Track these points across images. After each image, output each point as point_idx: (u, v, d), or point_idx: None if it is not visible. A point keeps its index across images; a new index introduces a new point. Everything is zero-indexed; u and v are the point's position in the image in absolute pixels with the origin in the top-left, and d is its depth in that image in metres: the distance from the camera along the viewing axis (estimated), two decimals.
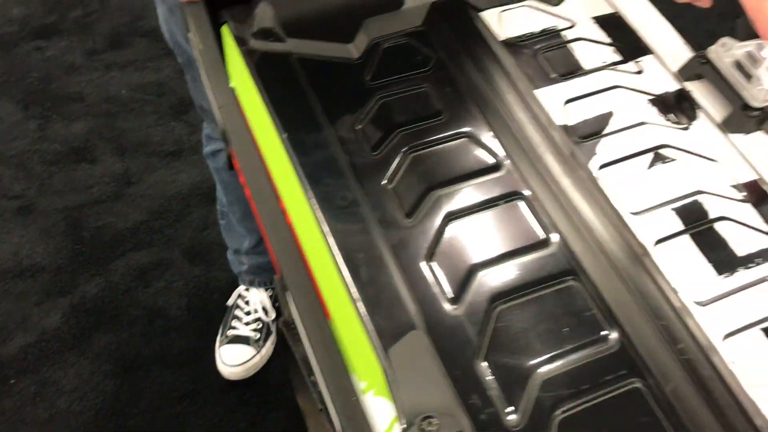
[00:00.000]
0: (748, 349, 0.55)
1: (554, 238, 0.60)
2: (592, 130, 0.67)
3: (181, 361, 1.50)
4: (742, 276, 0.58)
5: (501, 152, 0.65)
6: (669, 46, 0.74)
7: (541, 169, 0.64)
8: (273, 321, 1.49)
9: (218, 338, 1.49)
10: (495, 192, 0.63)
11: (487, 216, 0.62)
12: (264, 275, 1.46)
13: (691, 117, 0.68)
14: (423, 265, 0.59)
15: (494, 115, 0.68)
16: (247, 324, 1.46)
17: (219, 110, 0.70)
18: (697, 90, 0.70)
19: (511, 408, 0.52)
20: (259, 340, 1.46)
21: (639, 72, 0.72)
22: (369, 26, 0.73)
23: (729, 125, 0.67)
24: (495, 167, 0.64)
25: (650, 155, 0.65)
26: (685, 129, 0.68)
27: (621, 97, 0.69)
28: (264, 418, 1.41)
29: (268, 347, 1.47)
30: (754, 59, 0.66)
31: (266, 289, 1.49)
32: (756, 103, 0.66)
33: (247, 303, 1.48)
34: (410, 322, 0.55)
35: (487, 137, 0.66)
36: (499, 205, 0.62)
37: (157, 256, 1.67)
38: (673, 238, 0.60)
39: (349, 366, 0.55)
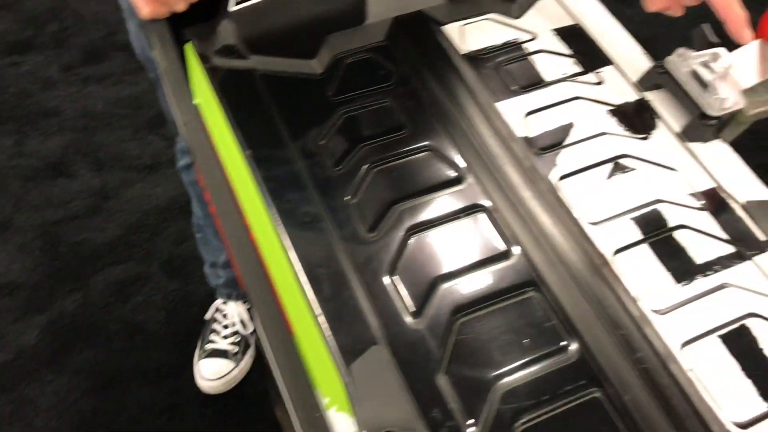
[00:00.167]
0: (705, 357, 0.55)
1: (515, 249, 0.61)
2: (553, 142, 0.68)
3: (160, 375, 1.49)
4: (701, 283, 0.59)
5: (463, 165, 0.66)
6: (628, 57, 0.75)
7: (502, 181, 0.65)
8: (251, 334, 1.49)
9: (197, 352, 1.48)
10: (457, 205, 0.63)
11: (449, 229, 0.62)
12: (241, 288, 1.46)
13: (651, 127, 0.69)
14: (386, 280, 0.59)
15: (456, 129, 0.68)
16: (225, 337, 1.46)
17: (183, 127, 0.70)
18: (657, 100, 0.71)
19: (472, 420, 0.52)
20: (237, 353, 1.46)
21: (599, 83, 0.73)
22: (332, 42, 0.74)
23: (687, 134, 0.68)
24: (457, 180, 0.65)
25: (610, 165, 0.66)
26: (645, 139, 0.68)
27: (581, 108, 0.70)
28: (244, 431, 1.41)
29: (247, 360, 1.47)
30: (709, 69, 0.68)
31: (244, 302, 1.49)
32: (713, 112, 0.67)
33: (224, 316, 1.48)
34: (372, 337, 0.55)
35: (449, 151, 0.67)
36: (460, 217, 0.63)
37: (135, 270, 1.67)
38: (633, 248, 0.61)
39: (313, 382, 0.56)
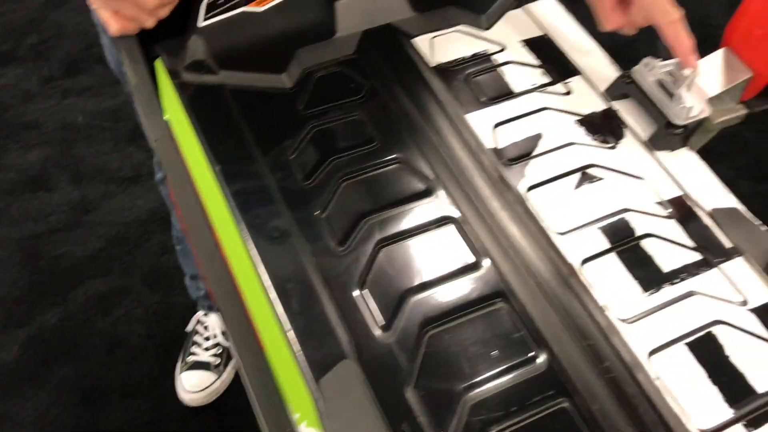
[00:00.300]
0: (672, 365, 0.56)
1: (484, 260, 0.61)
2: (522, 152, 0.68)
3: (143, 389, 1.49)
4: (668, 292, 0.60)
5: (432, 177, 0.66)
6: (596, 67, 0.75)
7: (471, 193, 0.65)
8: None
9: (178, 365, 1.48)
10: (426, 217, 0.64)
11: (419, 241, 0.63)
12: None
13: (618, 136, 0.70)
14: (355, 293, 0.59)
15: (426, 141, 0.69)
16: (206, 349, 1.46)
17: (154, 143, 0.70)
18: (624, 109, 0.72)
19: None
20: (219, 365, 1.45)
21: (567, 93, 0.73)
22: (301, 56, 0.74)
23: (654, 143, 0.69)
24: (426, 192, 0.65)
25: (578, 175, 0.67)
26: (612, 148, 0.69)
27: (550, 118, 0.71)
28: None
29: (229, 372, 1.47)
30: (675, 78, 0.68)
31: None
32: (679, 121, 0.68)
33: (206, 328, 1.48)
34: (341, 351, 0.56)
35: (419, 163, 0.67)
36: (430, 229, 0.63)
37: (116, 283, 1.66)
38: (600, 257, 0.61)
39: (284, 397, 0.56)
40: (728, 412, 0.54)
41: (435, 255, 0.62)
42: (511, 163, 0.67)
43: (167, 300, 1.61)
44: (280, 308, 0.58)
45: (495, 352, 0.56)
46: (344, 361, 0.55)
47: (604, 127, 0.71)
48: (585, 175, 0.67)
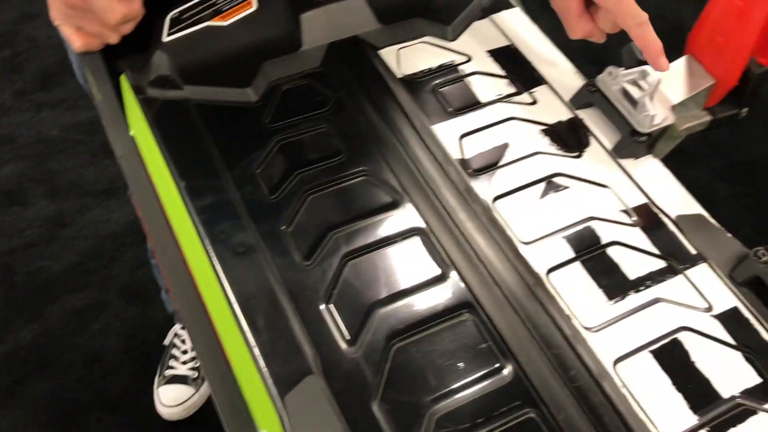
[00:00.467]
0: (638, 372, 0.56)
1: (450, 272, 0.61)
2: (488, 163, 0.69)
3: (120, 404, 1.48)
4: (633, 299, 0.60)
5: (399, 189, 0.66)
6: (561, 76, 0.76)
7: (438, 204, 0.65)
8: None
9: (156, 379, 1.47)
10: (393, 229, 0.64)
11: (385, 254, 0.62)
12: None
13: (584, 145, 0.71)
14: (322, 308, 0.59)
15: (392, 153, 0.69)
16: (184, 363, 1.45)
17: (119, 160, 0.70)
18: (589, 118, 0.72)
19: None
20: (197, 378, 1.44)
21: (533, 102, 0.74)
22: (267, 69, 0.74)
23: (619, 151, 0.70)
24: (393, 204, 0.65)
25: (543, 184, 0.67)
26: (578, 157, 0.69)
27: (516, 128, 0.71)
28: None
29: (207, 385, 1.46)
30: (638, 86, 0.69)
31: None
32: (643, 129, 0.68)
33: (183, 341, 1.47)
34: (307, 366, 0.55)
35: (386, 175, 0.67)
36: (397, 242, 0.63)
37: (93, 298, 1.65)
38: (566, 266, 0.62)
39: (251, 413, 0.55)
40: (693, 419, 0.54)
41: (401, 267, 0.62)
42: (477, 174, 0.68)
43: (144, 314, 1.61)
44: (245, 324, 0.57)
45: (461, 364, 0.56)
46: (310, 376, 0.55)
47: (569, 136, 0.71)
48: (550, 184, 0.67)
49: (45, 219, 1.81)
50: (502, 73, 0.76)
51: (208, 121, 0.70)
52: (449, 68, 0.76)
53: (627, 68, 0.70)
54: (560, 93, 0.74)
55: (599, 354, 0.57)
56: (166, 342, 1.49)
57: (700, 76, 0.72)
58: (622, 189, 0.67)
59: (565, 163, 0.69)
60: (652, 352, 0.57)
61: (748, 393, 0.55)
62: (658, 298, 0.60)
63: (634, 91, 0.69)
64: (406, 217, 0.65)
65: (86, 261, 1.71)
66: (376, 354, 0.56)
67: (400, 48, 0.78)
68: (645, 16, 0.67)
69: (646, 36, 0.68)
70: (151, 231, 0.66)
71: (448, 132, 0.71)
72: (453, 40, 0.79)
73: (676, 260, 0.63)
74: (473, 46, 0.78)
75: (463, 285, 0.60)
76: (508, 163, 0.69)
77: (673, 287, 0.61)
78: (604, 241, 0.63)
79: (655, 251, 0.63)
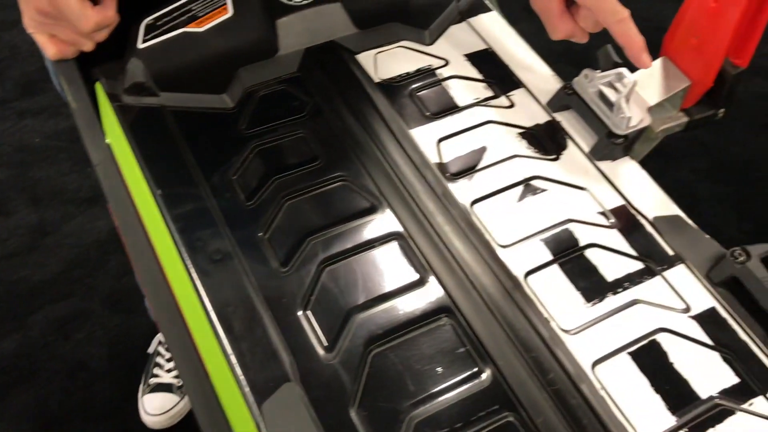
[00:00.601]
0: (616, 375, 0.56)
1: (428, 276, 0.61)
2: (466, 166, 0.68)
3: (105, 413, 1.46)
4: (611, 301, 0.60)
5: (377, 194, 0.66)
6: (538, 79, 0.76)
7: (416, 208, 0.65)
8: None
9: (141, 387, 1.46)
10: (371, 234, 0.64)
11: (363, 259, 0.62)
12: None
13: (561, 147, 0.71)
14: (299, 314, 0.59)
15: (370, 158, 0.69)
16: (168, 371, 1.44)
17: (96, 168, 0.69)
18: (566, 120, 0.73)
19: None
20: (182, 386, 1.43)
21: (511, 106, 0.74)
22: (243, 75, 0.74)
23: (596, 153, 0.70)
24: (370, 210, 0.65)
25: (521, 187, 0.67)
26: (555, 159, 0.70)
27: (493, 131, 0.71)
28: None
29: None
30: (614, 88, 0.69)
31: None
32: (619, 131, 0.68)
33: (167, 349, 1.46)
34: (284, 374, 0.55)
35: (363, 180, 0.67)
36: (375, 247, 0.63)
37: (77, 306, 1.64)
38: (544, 269, 0.62)
39: (229, 421, 0.55)
40: (671, 420, 0.54)
41: (379, 273, 0.61)
42: (455, 178, 0.67)
43: (129, 321, 1.60)
44: (222, 332, 0.57)
45: (440, 369, 0.56)
46: (287, 383, 0.55)
47: (547, 139, 0.71)
48: (528, 186, 0.67)
49: (27, 228, 1.79)
50: (479, 76, 0.76)
51: (184, 127, 0.70)
52: (427, 72, 0.76)
53: (603, 70, 0.70)
54: (537, 96, 0.75)
55: (577, 356, 0.57)
56: (150, 350, 1.48)
57: (676, 78, 0.72)
58: (599, 191, 0.67)
59: (542, 166, 0.69)
60: (630, 353, 0.57)
61: (726, 393, 0.55)
62: (636, 299, 0.60)
63: (611, 93, 0.69)
64: (383, 222, 0.64)
65: (69, 269, 1.70)
66: (354, 360, 0.56)
67: (378, 52, 0.78)
68: (626, 12, 0.67)
69: (627, 32, 0.67)
70: (126, 239, 0.65)
71: (425, 136, 0.71)
72: (430, 44, 0.79)
73: (653, 261, 0.63)
74: (450, 50, 0.79)
75: (441, 289, 0.60)
76: (486, 166, 0.68)
77: (650, 288, 0.61)
78: (581, 243, 0.64)
79: (633, 253, 0.63)
